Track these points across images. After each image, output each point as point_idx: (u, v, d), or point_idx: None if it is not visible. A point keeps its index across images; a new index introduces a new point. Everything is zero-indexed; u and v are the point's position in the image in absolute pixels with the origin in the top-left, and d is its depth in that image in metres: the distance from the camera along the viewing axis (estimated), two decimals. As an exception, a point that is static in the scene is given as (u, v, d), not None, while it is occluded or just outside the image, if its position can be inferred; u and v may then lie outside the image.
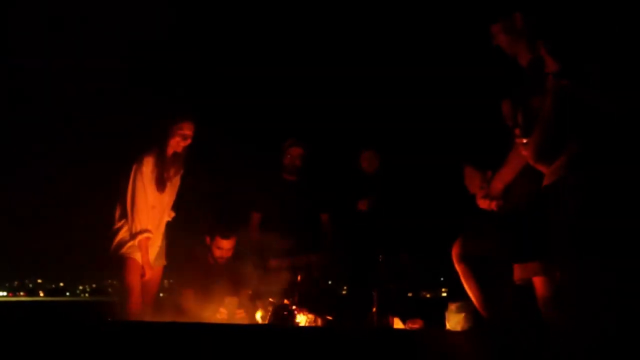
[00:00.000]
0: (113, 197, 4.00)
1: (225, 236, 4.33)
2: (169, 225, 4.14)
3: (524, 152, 2.55)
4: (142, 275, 3.88)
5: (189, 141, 4.00)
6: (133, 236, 3.84)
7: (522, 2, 2.74)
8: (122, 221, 3.90)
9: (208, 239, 4.37)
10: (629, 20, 2.39)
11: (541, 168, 2.44)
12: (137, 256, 3.85)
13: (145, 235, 3.84)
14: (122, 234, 3.88)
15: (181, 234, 4.24)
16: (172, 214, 4.15)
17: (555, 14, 2.51)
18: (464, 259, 2.85)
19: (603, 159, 2.24)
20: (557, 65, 2.39)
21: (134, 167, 3.89)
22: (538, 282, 2.74)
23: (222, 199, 5.55)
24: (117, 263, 3.86)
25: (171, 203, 4.11)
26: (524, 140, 2.54)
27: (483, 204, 3.05)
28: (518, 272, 2.79)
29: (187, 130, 3.98)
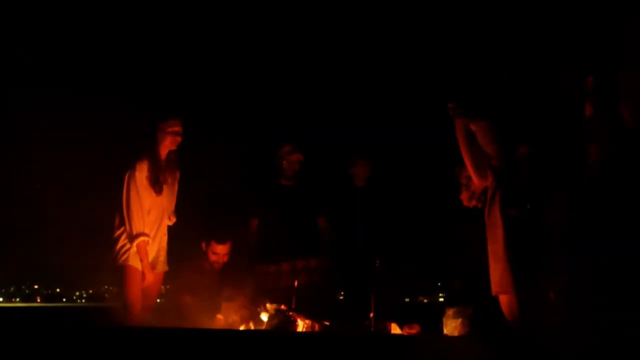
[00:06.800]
0: (112, 203, 3.99)
1: (221, 241, 4.32)
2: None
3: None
4: (143, 279, 3.87)
5: (179, 138, 4.01)
6: (131, 241, 3.84)
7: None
8: (122, 228, 3.90)
9: (204, 245, 4.36)
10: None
11: (484, 183, 2.84)
12: (137, 263, 3.86)
13: (142, 239, 3.84)
14: (122, 241, 3.89)
15: (177, 240, 4.22)
16: (174, 219, 4.13)
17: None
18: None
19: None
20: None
21: (127, 174, 3.90)
22: (504, 298, 2.71)
23: (218, 204, 5.53)
24: (118, 271, 3.88)
25: (172, 206, 4.11)
26: None
27: (467, 201, 3.55)
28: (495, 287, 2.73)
29: (177, 126, 4.00)
